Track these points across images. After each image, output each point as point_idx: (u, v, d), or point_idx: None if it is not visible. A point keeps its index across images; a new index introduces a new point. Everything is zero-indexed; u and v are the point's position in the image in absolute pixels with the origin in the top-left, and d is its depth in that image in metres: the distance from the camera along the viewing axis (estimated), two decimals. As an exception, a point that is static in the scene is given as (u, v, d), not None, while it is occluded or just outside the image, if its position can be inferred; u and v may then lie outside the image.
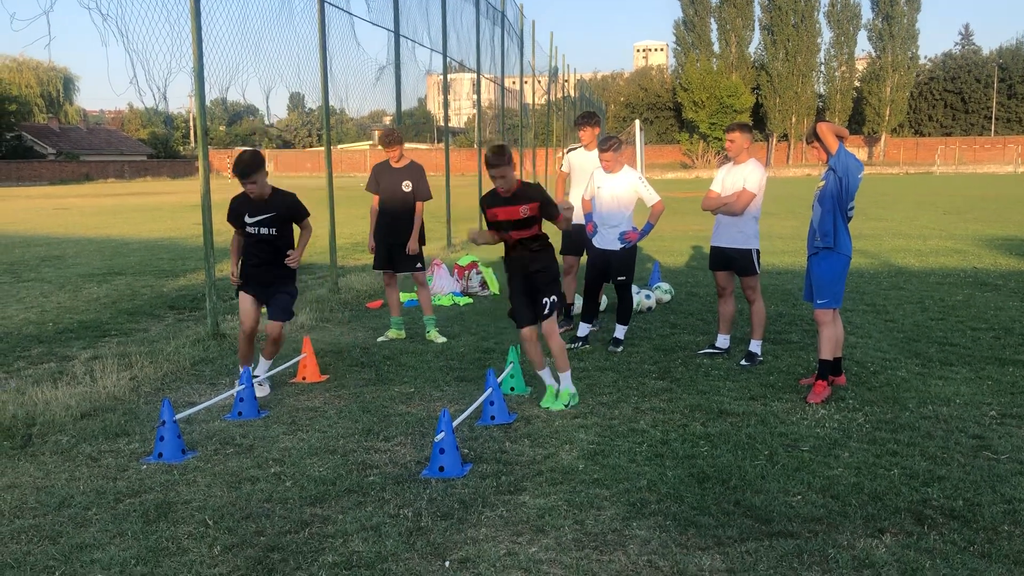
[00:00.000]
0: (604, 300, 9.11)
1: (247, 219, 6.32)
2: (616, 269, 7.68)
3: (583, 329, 7.92)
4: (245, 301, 6.48)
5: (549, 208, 5.99)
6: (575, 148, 8.77)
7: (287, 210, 6.38)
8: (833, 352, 6.24)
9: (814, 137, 6.12)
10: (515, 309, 6.16)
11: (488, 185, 6.26)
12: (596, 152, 8.50)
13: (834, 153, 6.02)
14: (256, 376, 6.46)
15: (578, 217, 8.45)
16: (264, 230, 6.31)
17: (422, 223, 8.26)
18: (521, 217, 5.94)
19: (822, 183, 6.20)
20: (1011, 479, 4.57)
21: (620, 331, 7.77)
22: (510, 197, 5.93)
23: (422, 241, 8.27)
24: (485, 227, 6.26)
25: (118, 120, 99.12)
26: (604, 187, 7.65)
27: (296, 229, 6.58)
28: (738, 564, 3.67)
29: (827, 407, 5.90)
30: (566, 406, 5.99)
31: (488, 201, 6.11)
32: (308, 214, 6.54)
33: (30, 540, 4.00)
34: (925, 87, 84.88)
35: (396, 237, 8.17)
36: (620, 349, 7.65)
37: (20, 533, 4.08)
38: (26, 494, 4.56)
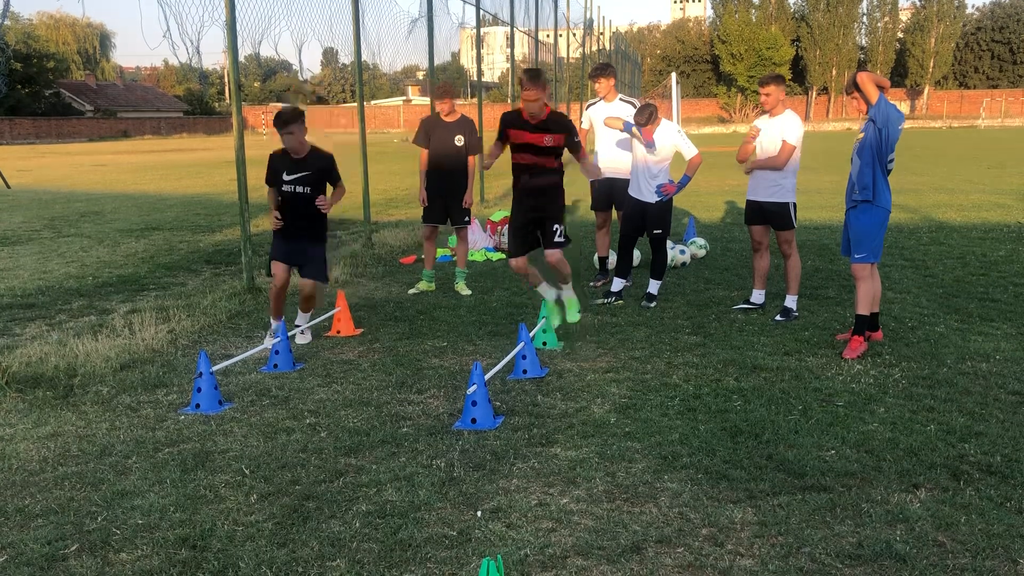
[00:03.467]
0: (638, 255, 9.05)
1: (284, 176, 6.35)
2: (652, 222, 7.60)
3: (617, 284, 7.88)
4: (277, 267, 6.54)
5: (574, 142, 5.87)
6: (594, 103, 8.64)
7: (321, 170, 6.38)
8: (870, 307, 6.16)
9: (854, 87, 5.97)
10: (511, 238, 6.09)
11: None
12: (616, 103, 8.38)
13: (874, 103, 5.88)
14: (298, 325, 6.63)
15: (608, 171, 8.38)
16: (300, 188, 6.34)
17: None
18: (544, 145, 5.79)
19: (861, 135, 6.07)
20: (1051, 436, 4.49)
21: (654, 286, 7.71)
22: (538, 124, 5.79)
23: None
24: (497, 143, 6.08)
25: (154, 77, 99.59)
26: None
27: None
28: (770, 517, 3.67)
29: (863, 363, 5.84)
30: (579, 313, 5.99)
31: (512, 122, 5.91)
32: (341, 178, 6.54)
33: (73, 487, 4.11)
34: (972, 37, 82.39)
35: (451, 191, 8.18)
36: (653, 304, 7.61)
37: (64, 480, 4.18)
38: (69, 442, 4.67)
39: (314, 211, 6.40)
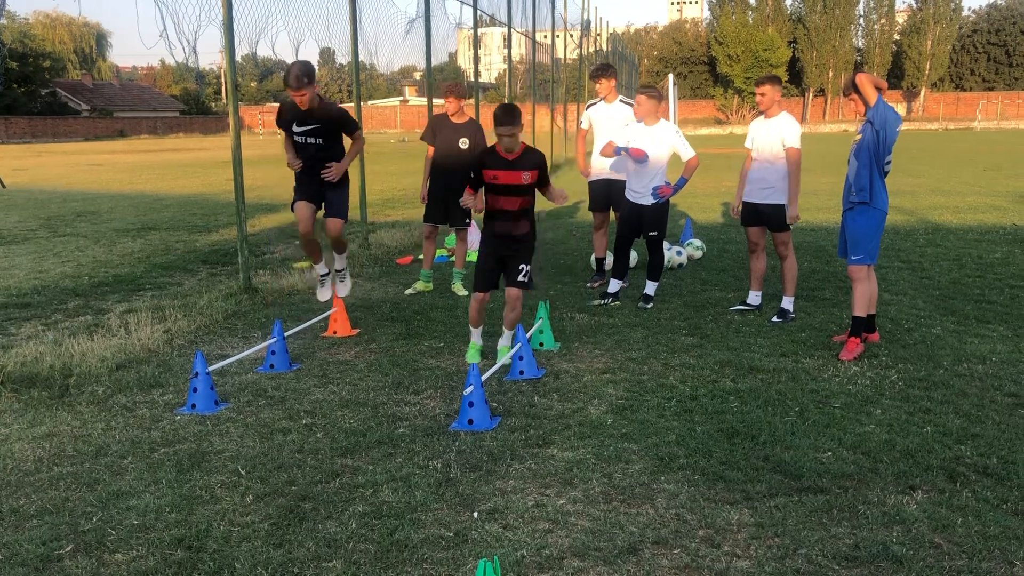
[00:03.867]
0: (635, 256, 9.05)
1: (294, 127, 6.37)
2: (648, 224, 7.59)
3: (614, 285, 7.87)
4: (299, 206, 6.63)
5: (544, 179, 5.78)
6: (594, 103, 8.64)
7: (333, 122, 6.37)
8: (867, 309, 6.16)
9: (852, 88, 5.98)
10: (478, 272, 5.96)
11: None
12: (616, 104, 8.38)
13: (872, 105, 5.88)
14: (339, 270, 6.96)
15: (604, 173, 8.38)
16: (311, 139, 6.37)
17: None
18: (522, 183, 5.70)
19: (859, 136, 6.07)
20: (1047, 437, 4.50)
21: (650, 287, 7.71)
22: (513, 160, 5.67)
23: None
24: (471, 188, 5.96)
25: (150, 76, 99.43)
26: (639, 141, 7.53)
27: (348, 141, 6.72)
28: (767, 519, 3.67)
29: (860, 364, 5.84)
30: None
31: (488, 162, 5.77)
32: (358, 127, 6.54)
33: (68, 487, 4.10)
34: (968, 40, 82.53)
35: (452, 193, 8.15)
36: (650, 306, 7.61)
37: (59, 480, 4.17)
38: (64, 442, 4.65)
39: (328, 160, 6.43)
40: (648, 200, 7.52)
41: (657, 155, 7.46)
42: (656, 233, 7.61)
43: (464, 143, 8.08)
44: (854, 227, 6.13)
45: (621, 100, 8.45)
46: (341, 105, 6.68)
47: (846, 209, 6.23)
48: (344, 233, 6.83)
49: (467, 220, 8.34)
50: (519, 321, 5.93)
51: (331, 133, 6.43)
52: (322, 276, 7.14)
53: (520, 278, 5.82)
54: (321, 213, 6.77)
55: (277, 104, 6.38)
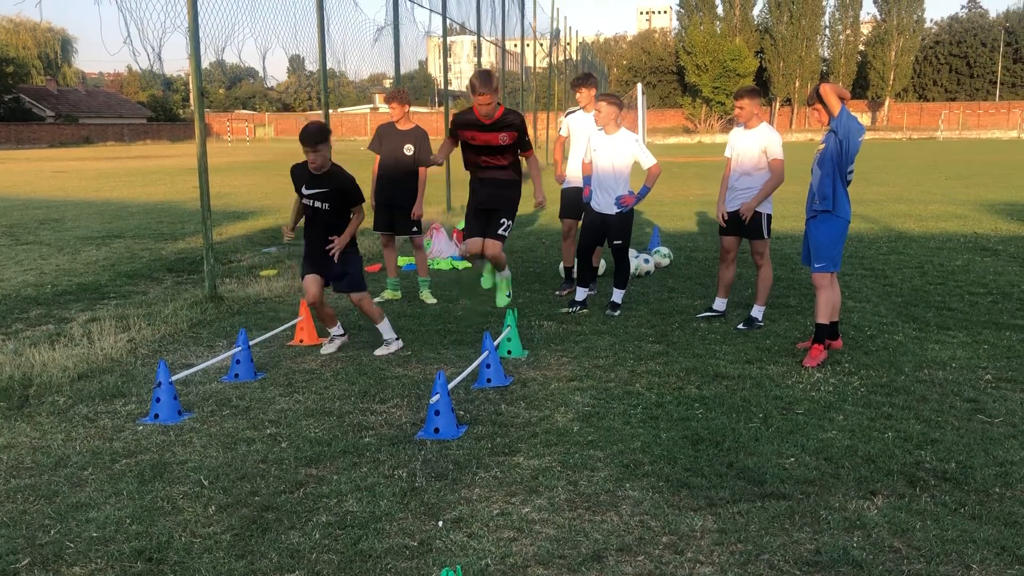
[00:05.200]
0: (603, 265, 9.09)
1: (304, 190, 6.23)
2: (613, 233, 7.64)
3: (580, 293, 7.90)
4: (307, 279, 6.35)
5: (524, 139, 5.92)
6: (574, 111, 8.68)
7: (339, 191, 6.20)
8: (830, 316, 6.23)
9: (816, 98, 6.05)
10: (467, 225, 6.16)
11: None
12: (594, 114, 8.43)
13: (836, 115, 5.96)
14: (388, 341, 6.53)
15: (577, 180, 8.42)
16: (318, 203, 6.19)
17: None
18: (499, 144, 5.83)
19: (822, 146, 6.15)
20: (1004, 442, 4.58)
21: (617, 295, 7.75)
22: (491, 124, 5.81)
23: None
24: (448, 139, 6.12)
25: (117, 83, 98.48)
26: (601, 150, 7.58)
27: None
28: (730, 524, 3.70)
29: (823, 371, 5.91)
30: (508, 296, 6.53)
31: (464, 122, 5.90)
32: (362, 200, 6.33)
33: (26, 499, 4.03)
34: (930, 51, 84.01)
35: (396, 200, 8.12)
36: (617, 313, 7.65)
37: (16, 492, 4.10)
38: (23, 454, 4.58)
39: (336, 230, 6.23)
40: (612, 210, 7.56)
41: (619, 164, 7.49)
42: (621, 242, 7.65)
43: (409, 149, 8.04)
44: (817, 235, 6.20)
45: None
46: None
47: (809, 217, 6.30)
48: (369, 303, 6.47)
49: (415, 229, 8.22)
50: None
51: (338, 199, 6.22)
52: (337, 336, 6.73)
53: (501, 231, 6.02)
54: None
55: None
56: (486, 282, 6.21)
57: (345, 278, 6.36)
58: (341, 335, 6.68)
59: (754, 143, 7.01)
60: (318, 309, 6.45)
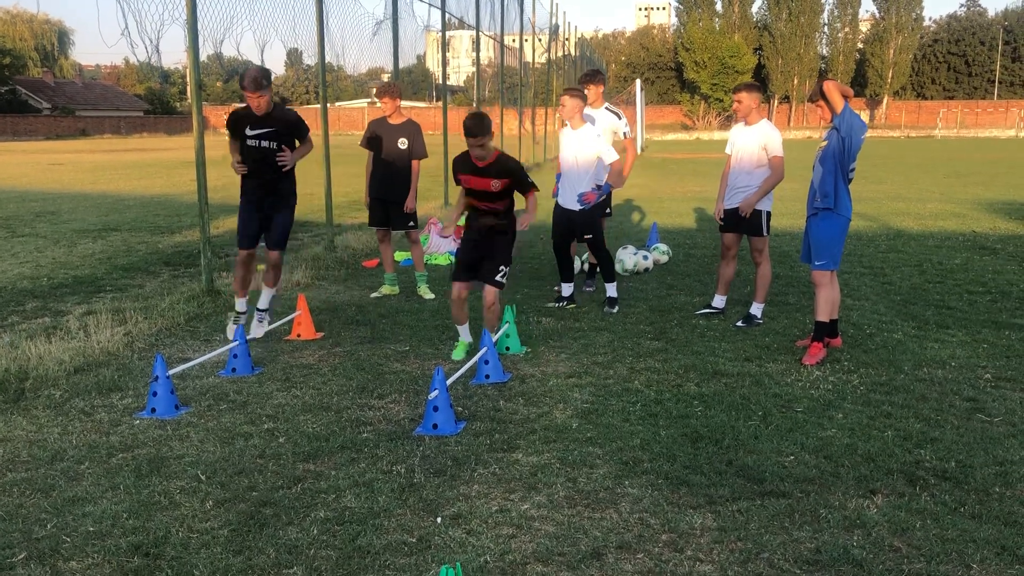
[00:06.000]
0: (578, 262, 9.09)
1: (248, 131, 6.33)
2: (580, 228, 7.60)
3: (565, 289, 7.88)
4: (243, 222, 6.60)
5: (522, 184, 5.89)
6: None
7: (288, 126, 6.39)
8: (830, 314, 6.22)
9: (819, 95, 6.03)
10: (456, 265, 6.12)
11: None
12: (601, 111, 8.38)
13: (839, 112, 5.94)
14: (261, 310, 6.73)
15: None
16: (265, 143, 6.33)
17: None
18: (491, 190, 5.82)
19: (824, 143, 6.13)
20: (1004, 441, 4.57)
21: (611, 289, 7.72)
22: (483, 168, 5.79)
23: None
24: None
25: (114, 75, 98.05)
26: (566, 145, 7.54)
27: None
28: (729, 523, 3.68)
29: (822, 369, 5.90)
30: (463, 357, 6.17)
31: (460, 166, 5.94)
32: (308, 131, 6.58)
33: (22, 493, 4.01)
34: (928, 49, 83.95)
35: (392, 194, 8.11)
36: (615, 310, 7.62)
37: (12, 486, 4.08)
38: (19, 448, 4.55)
39: (279, 171, 6.42)
40: (575, 206, 7.52)
41: (582, 159, 7.44)
42: (591, 236, 7.62)
43: (403, 143, 8.03)
44: (818, 233, 6.19)
45: (607, 108, 8.43)
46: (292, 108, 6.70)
47: (810, 215, 6.29)
48: (281, 266, 6.75)
49: (411, 223, 8.25)
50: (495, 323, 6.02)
51: (285, 137, 6.41)
52: (239, 313, 6.87)
53: (498, 278, 5.95)
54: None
55: (243, 105, 6.30)
56: (458, 353, 6.12)
57: (275, 231, 6.60)
58: (242, 311, 6.85)
59: (754, 140, 6.99)
60: (243, 264, 6.70)
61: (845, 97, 5.99)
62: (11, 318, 7.47)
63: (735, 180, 7.15)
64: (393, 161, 8.05)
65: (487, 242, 5.98)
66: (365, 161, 8.32)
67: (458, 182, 6.02)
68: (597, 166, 7.46)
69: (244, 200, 6.64)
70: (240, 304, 6.87)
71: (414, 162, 8.09)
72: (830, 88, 5.95)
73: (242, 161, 6.47)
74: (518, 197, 6.10)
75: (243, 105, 6.40)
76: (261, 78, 6.20)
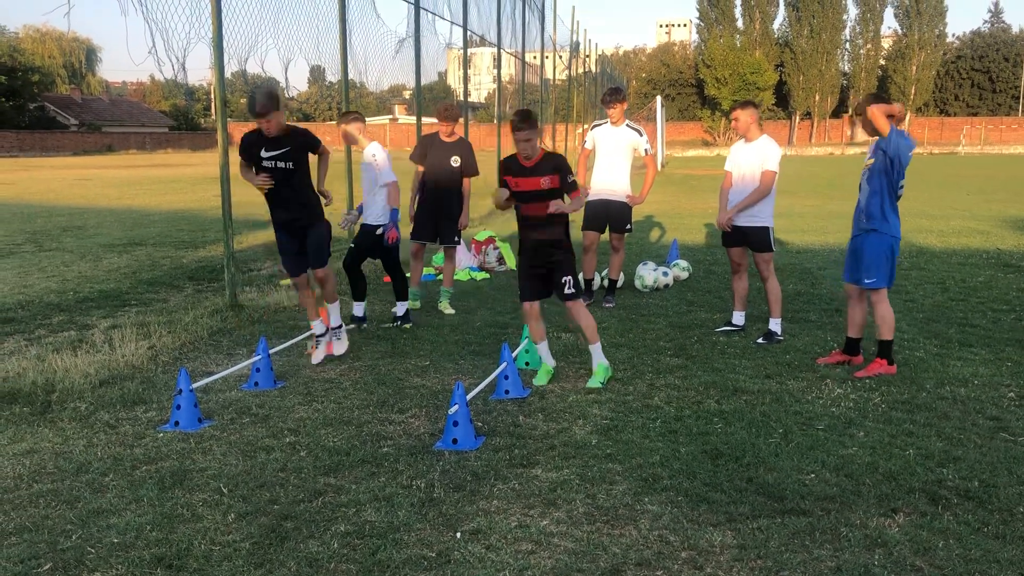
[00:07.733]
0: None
1: (263, 153, 6.30)
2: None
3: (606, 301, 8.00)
4: (283, 250, 6.66)
5: (568, 181, 5.82)
6: (600, 124, 8.66)
7: (302, 143, 6.39)
8: (891, 331, 6.16)
9: (864, 112, 5.99)
10: (521, 283, 6.06)
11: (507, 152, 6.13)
12: (623, 128, 8.42)
13: (885, 135, 5.91)
14: (334, 328, 6.73)
15: (601, 193, 8.43)
16: (281, 163, 6.31)
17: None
18: (542, 188, 5.75)
19: (871, 160, 6.12)
20: (1028, 461, 4.53)
21: (401, 308, 7.83)
22: (532, 167, 5.74)
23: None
24: (501, 189, 6.04)
25: (140, 92, 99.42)
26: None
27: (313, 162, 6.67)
28: (749, 540, 3.67)
29: (843, 387, 5.87)
30: (603, 384, 5.90)
31: (508, 168, 5.86)
32: (319, 140, 6.58)
33: (48, 504, 4.06)
34: (952, 66, 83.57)
35: (444, 210, 8.25)
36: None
37: (39, 497, 4.13)
38: (45, 459, 4.62)
39: (300, 184, 6.43)
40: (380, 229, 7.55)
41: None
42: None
43: (456, 161, 8.18)
44: (866, 251, 6.14)
45: (628, 125, 8.48)
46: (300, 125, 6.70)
47: (855, 234, 6.26)
48: (332, 277, 6.69)
49: (457, 239, 8.38)
50: (596, 330, 6.05)
51: (300, 154, 6.39)
52: (318, 337, 6.74)
53: (567, 291, 5.89)
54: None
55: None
56: (540, 379, 6.03)
57: (314, 250, 6.56)
58: (321, 334, 6.72)
59: (755, 157, 7.06)
60: (301, 291, 6.70)
61: (891, 116, 5.91)
62: (38, 331, 7.58)
63: (737, 197, 7.18)
64: (445, 178, 8.22)
65: (543, 251, 5.92)
66: (408, 175, 8.38)
67: (504, 185, 5.90)
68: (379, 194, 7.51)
69: (275, 228, 6.63)
70: (316, 327, 6.70)
71: (466, 180, 8.26)
72: (875, 114, 5.86)
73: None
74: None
75: (255, 128, 6.38)
76: (268, 103, 6.10)
